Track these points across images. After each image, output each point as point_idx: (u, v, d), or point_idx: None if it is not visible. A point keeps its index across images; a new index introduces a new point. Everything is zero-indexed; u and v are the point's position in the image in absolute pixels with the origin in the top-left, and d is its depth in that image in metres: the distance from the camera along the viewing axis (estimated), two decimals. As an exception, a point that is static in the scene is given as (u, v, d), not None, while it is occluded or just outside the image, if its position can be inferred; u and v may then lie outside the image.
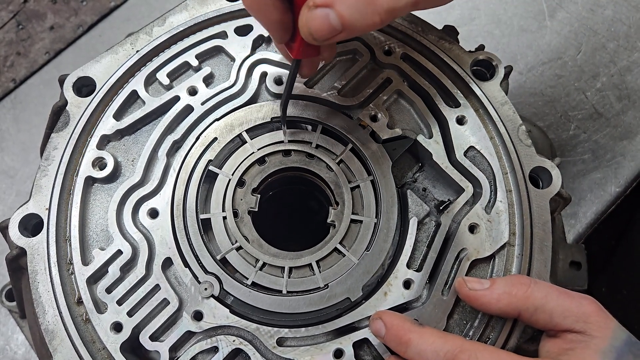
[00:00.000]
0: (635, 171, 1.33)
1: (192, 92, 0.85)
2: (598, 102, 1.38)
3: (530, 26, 1.44)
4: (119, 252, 0.78)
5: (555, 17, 1.44)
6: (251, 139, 0.83)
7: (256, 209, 0.82)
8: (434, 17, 0.92)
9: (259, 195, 0.82)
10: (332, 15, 0.62)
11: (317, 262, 0.79)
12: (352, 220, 0.81)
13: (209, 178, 0.83)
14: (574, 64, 1.41)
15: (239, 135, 0.83)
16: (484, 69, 0.90)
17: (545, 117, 1.37)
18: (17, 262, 0.85)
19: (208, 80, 0.87)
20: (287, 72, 0.87)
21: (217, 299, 0.77)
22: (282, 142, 0.84)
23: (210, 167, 0.82)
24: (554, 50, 1.42)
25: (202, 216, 0.80)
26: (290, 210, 0.93)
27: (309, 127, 0.86)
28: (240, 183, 0.82)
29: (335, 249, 0.80)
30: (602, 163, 1.33)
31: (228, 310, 0.76)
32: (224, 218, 0.80)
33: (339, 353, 0.75)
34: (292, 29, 0.68)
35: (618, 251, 1.53)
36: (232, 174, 0.82)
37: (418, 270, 0.79)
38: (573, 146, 1.35)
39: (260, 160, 0.83)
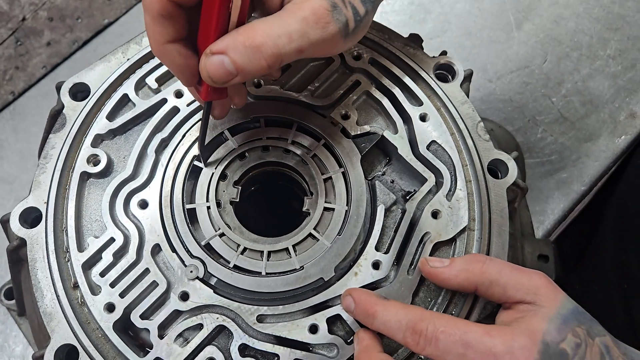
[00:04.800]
0: (600, 170, 1.42)
1: (178, 94, 0.93)
2: (563, 107, 1.47)
3: (498, 37, 1.54)
4: (112, 240, 0.85)
5: (522, 28, 1.54)
6: (232, 136, 0.91)
7: (237, 200, 0.89)
8: (407, 30, 1.02)
9: (240, 187, 0.90)
10: (226, 61, 0.69)
11: (294, 246, 0.86)
12: (325, 208, 0.88)
13: (194, 173, 0.90)
14: (540, 72, 1.50)
15: (221, 133, 0.91)
16: (446, 72, 0.99)
17: (514, 121, 1.46)
18: (17, 253, 0.91)
19: (193, 84, 0.95)
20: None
21: (202, 280, 0.83)
22: (261, 139, 0.92)
23: (195, 162, 0.89)
24: (521, 60, 1.51)
25: (188, 206, 0.87)
26: (269, 200, 1.00)
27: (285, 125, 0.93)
28: (223, 176, 0.90)
29: (310, 234, 0.87)
30: (568, 163, 1.42)
31: (212, 290, 0.83)
32: (208, 208, 0.87)
33: (314, 328, 0.82)
34: (198, 73, 0.74)
35: (589, 250, 1.60)
36: (215, 168, 0.90)
37: (386, 253, 0.86)
38: (541, 148, 1.44)
39: (241, 156, 0.91)
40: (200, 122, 0.87)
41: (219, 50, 0.70)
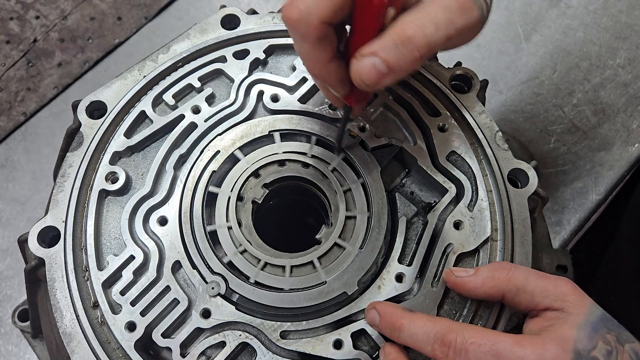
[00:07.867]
0: (614, 179, 1.40)
1: (196, 110, 0.93)
2: (575, 116, 1.46)
3: (507, 49, 1.54)
4: (132, 257, 0.84)
5: (531, 40, 1.54)
6: (250, 152, 0.91)
7: (261, 201, 0.88)
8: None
9: (261, 199, 0.89)
10: (377, 61, 0.70)
11: (319, 258, 0.85)
12: (347, 217, 0.87)
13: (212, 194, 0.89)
14: (551, 82, 1.50)
15: (240, 148, 0.91)
16: (462, 82, 0.99)
17: (526, 132, 1.45)
18: (35, 273, 0.90)
19: (210, 99, 0.94)
20: (282, 90, 0.95)
21: (223, 297, 0.82)
22: (276, 153, 0.91)
23: (210, 188, 0.88)
24: (531, 71, 1.51)
25: (209, 228, 0.85)
26: (289, 217, 0.99)
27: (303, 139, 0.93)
28: (240, 197, 0.89)
29: (335, 244, 0.86)
30: (582, 173, 1.41)
31: (234, 307, 0.82)
32: (229, 228, 0.86)
33: (338, 344, 0.81)
34: (349, 81, 0.76)
35: (605, 259, 1.58)
36: (233, 186, 0.89)
37: (409, 265, 0.85)
38: (554, 158, 1.43)
39: (255, 174, 0.90)
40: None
41: (369, 52, 0.71)
